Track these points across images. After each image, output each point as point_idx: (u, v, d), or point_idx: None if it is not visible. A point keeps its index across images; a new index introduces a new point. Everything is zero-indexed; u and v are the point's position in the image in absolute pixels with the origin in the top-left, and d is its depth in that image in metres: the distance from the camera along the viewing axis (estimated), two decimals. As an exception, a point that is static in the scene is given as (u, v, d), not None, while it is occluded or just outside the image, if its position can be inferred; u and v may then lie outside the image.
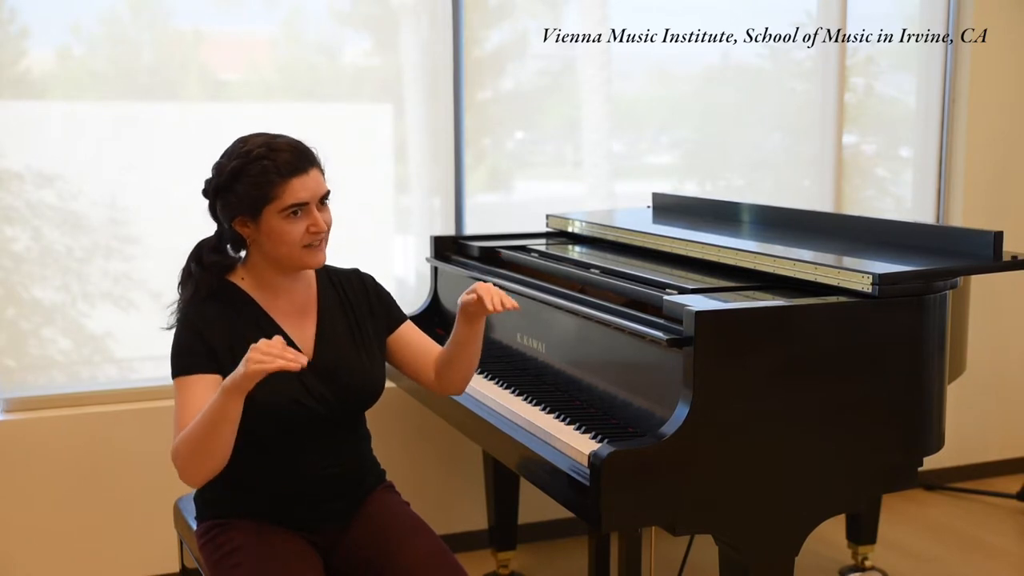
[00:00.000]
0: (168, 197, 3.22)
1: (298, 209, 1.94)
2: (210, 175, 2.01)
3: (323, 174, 2.00)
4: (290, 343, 2.00)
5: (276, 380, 1.84)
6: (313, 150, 2.01)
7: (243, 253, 2.06)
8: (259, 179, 1.92)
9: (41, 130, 3.12)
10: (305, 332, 2.04)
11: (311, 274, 2.10)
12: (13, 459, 3.07)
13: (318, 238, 1.97)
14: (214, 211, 2.02)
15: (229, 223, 1.99)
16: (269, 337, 1.84)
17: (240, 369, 1.76)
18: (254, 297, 2.02)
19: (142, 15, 3.19)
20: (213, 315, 1.97)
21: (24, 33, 3.07)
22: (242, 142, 1.99)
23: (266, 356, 1.74)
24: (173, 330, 2.00)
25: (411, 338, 2.16)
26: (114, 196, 3.18)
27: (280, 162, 1.93)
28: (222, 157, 2.01)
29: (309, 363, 1.98)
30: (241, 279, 2.04)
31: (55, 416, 3.11)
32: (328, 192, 2.00)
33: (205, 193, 2.02)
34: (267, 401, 1.91)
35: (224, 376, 1.87)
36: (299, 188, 1.93)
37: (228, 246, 2.05)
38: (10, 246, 3.10)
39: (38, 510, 3.10)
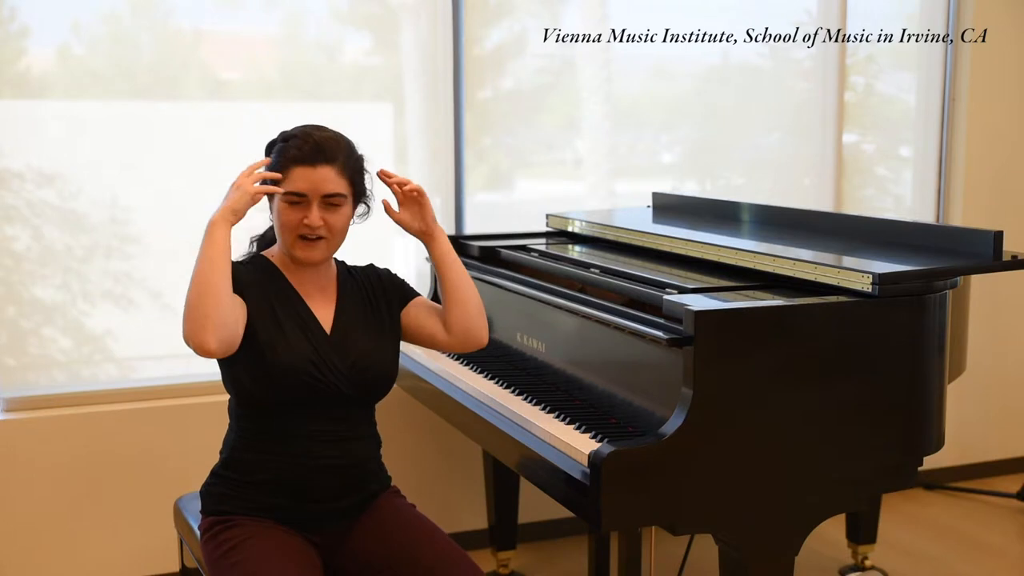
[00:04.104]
0: (168, 196, 3.22)
1: (298, 199, 2.00)
2: None
3: (348, 175, 2.04)
4: (312, 317, 2.06)
5: (295, 343, 2.00)
6: (345, 150, 2.04)
7: None
8: (276, 158, 2.04)
9: (41, 129, 3.12)
10: (325, 309, 2.10)
11: (332, 263, 2.17)
12: (13, 459, 3.07)
13: (309, 232, 2.01)
14: None
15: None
16: (296, 307, 2.02)
17: (226, 199, 1.95)
18: (283, 272, 2.09)
19: (142, 14, 3.19)
20: (247, 275, 2.05)
21: (24, 32, 3.07)
22: (297, 126, 2.09)
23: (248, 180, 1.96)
24: None
25: (423, 305, 2.21)
26: (114, 195, 3.18)
27: (296, 148, 2.01)
28: None
29: (326, 336, 2.06)
30: (273, 255, 2.12)
31: (55, 416, 3.11)
32: (337, 195, 2.02)
33: None
34: (285, 360, 1.98)
35: (252, 316, 1.99)
36: (299, 177, 2.00)
37: None
38: (11, 245, 3.10)
39: (38, 510, 3.10)
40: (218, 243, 1.92)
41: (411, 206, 2.16)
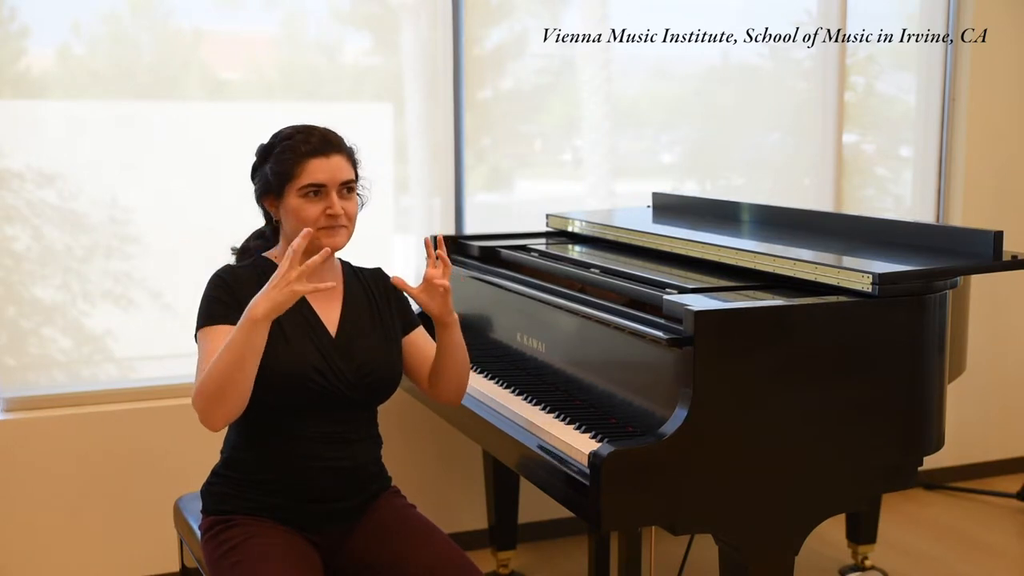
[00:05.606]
0: (168, 196, 3.22)
1: (317, 190, 2.01)
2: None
3: (352, 164, 2.08)
4: (317, 320, 2.06)
5: (300, 348, 1.99)
6: (345, 140, 2.08)
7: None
8: (282, 157, 2.02)
9: (41, 129, 3.12)
10: (331, 311, 2.09)
11: (338, 263, 2.17)
12: (13, 459, 3.07)
13: (334, 221, 2.01)
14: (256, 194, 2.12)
15: (260, 202, 2.10)
16: (300, 310, 2.00)
17: (269, 295, 1.82)
18: None
19: (142, 14, 3.19)
20: (246, 278, 2.03)
21: (24, 32, 3.07)
22: (284, 128, 2.08)
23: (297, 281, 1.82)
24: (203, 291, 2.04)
25: (421, 343, 2.21)
26: (114, 195, 3.18)
27: (304, 143, 2.02)
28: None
29: (331, 340, 2.05)
30: (275, 256, 2.11)
31: (55, 416, 3.11)
32: (351, 181, 2.05)
33: (251, 178, 2.12)
34: (288, 365, 1.97)
35: None
36: (317, 169, 2.00)
37: (271, 232, 2.15)
38: (11, 245, 3.10)
39: (38, 510, 3.10)
40: (255, 345, 1.85)
41: (435, 295, 2.07)
